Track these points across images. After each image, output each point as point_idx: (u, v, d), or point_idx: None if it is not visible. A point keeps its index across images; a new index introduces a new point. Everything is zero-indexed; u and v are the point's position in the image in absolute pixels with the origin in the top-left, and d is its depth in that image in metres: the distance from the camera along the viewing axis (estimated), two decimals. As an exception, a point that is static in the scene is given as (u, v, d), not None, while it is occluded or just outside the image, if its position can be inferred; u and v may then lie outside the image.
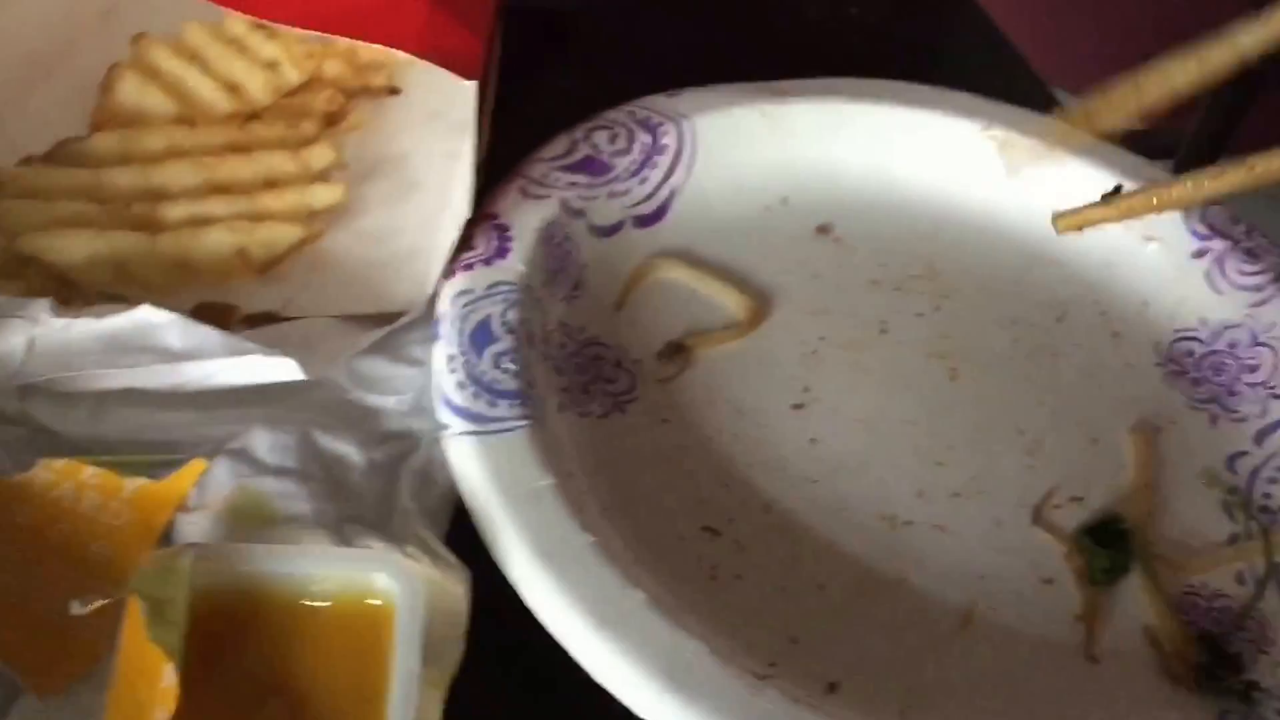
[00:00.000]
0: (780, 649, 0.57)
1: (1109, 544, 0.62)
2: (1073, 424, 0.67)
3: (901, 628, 0.59)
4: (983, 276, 0.74)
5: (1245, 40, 0.48)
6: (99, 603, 0.47)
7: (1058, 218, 0.64)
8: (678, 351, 0.68)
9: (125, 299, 0.60)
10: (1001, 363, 0.70)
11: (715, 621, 0.56)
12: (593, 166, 0.72)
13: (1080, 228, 0.64)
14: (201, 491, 0.57)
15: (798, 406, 0.66)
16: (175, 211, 0.67)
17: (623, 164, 0.73)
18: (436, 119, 0.75)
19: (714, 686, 0.51)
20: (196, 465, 0.57)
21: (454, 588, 0.54)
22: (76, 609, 0.46)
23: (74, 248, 0.64)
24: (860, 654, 0.58)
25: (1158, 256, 0.74)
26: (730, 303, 0.70)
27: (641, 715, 0.51)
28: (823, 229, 0.74)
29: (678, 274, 0.71)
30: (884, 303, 0.71)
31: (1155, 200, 0.56)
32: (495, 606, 0.54)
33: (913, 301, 0.72)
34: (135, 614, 0.48)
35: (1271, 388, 0.68)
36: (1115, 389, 0.70)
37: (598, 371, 0.67)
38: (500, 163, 0.71)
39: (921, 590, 0.60)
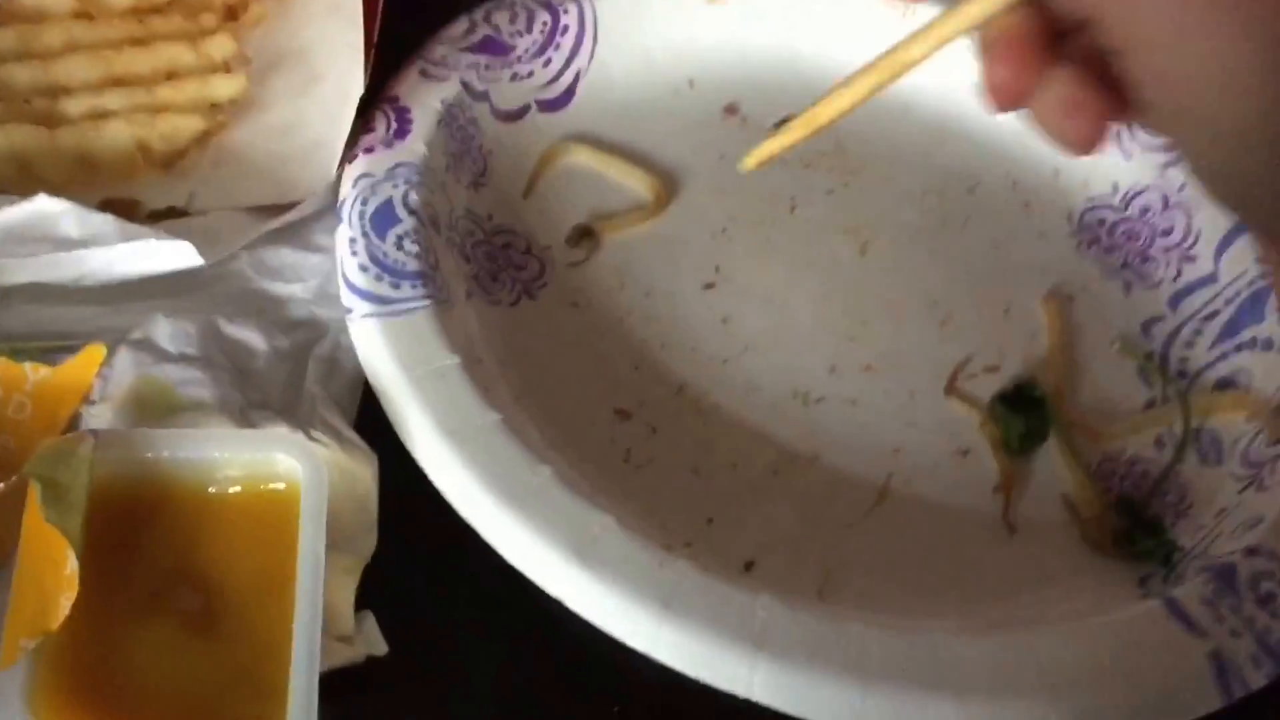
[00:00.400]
0: (696, 529, 0.57)
1: (1025, 411, 0.61)
2: (985, 295, 0.67)
3: (817, 504, 0.59)
4: (892, 151, 0.73)
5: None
6: None
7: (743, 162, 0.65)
8: (586, 235, 0.67)
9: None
10: (912, 236, 0.69)
11: (628, 502, 0.56)
12: (493, 47, 0.70)
13: (763, 164, 0.64)
14: (104, 383, 0.56)
15: (708, 286, 0.66)
16: (74, 106, 0.66)
17: (524, 44, 0.71)
18: (337, 12, 0.73)
19: (622, 559, 0.51)
20: (95, 350, 0.56)
21: (362, 471, 0.54)
22: None
23: None
24: (776, 532, 0.58)
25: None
26: (638, 185, 0.70)
27: (550, 591, 0.51)
28: (730, 109, 0.73)
29: (585, 158, 0.70)
30: (793, 180, 0.70)
31: (815, 118, 0.57)
32: (407, 491, 0.54)
33: (821, 178, 0.71)
34: (34, 497, 0.47)
35: (1185, 250, 0.68)
36: (1028, 259, 0.69)
37: (507, 259, 0.66)
38: (402, 46, 0.70)
39: (836, 466, 0.60)
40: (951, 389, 0.63)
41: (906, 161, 0.73)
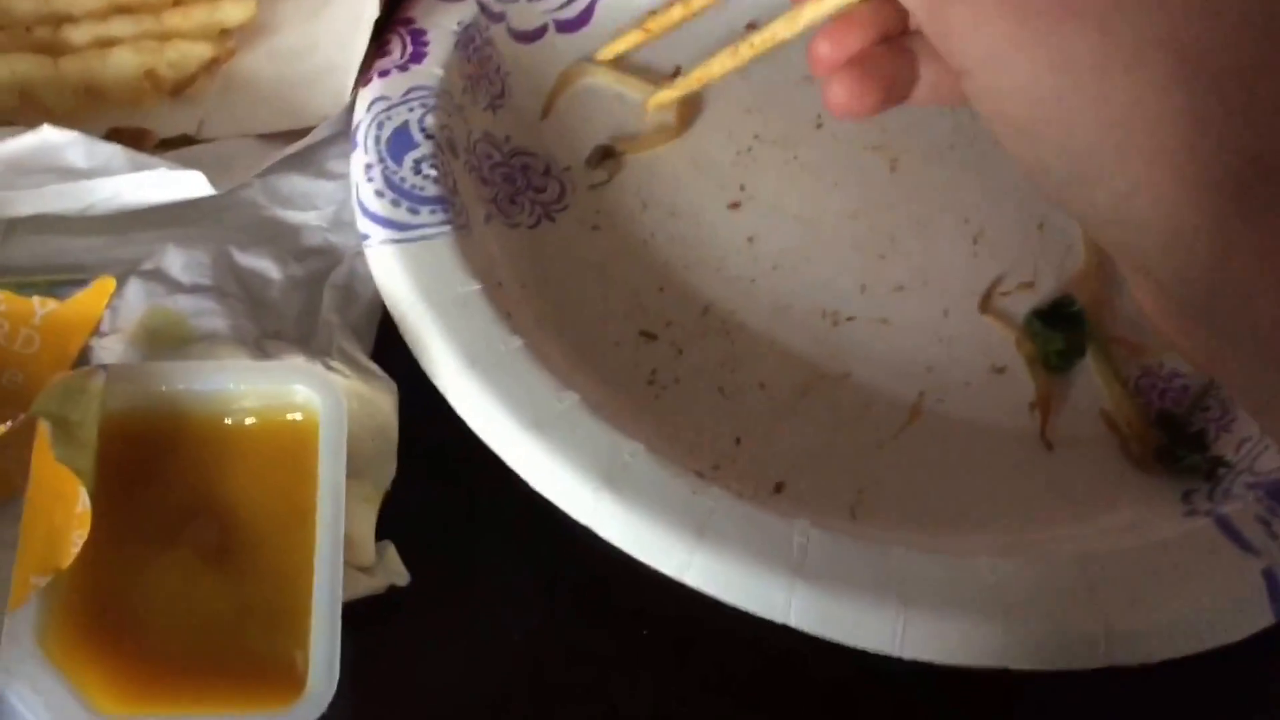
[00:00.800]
0: (724, 450, 0.56)
1: (1062, 327, 0.60)
2: (1019, 211, 0.65)
3: (848, 424, 0.58)
4: (922, 65, 0.71)
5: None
6: (3, 427, 0.45)
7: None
8: (607, 156, 0.65)
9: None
10: (942, 152, 0.67)
11: (655, 425, 0.55)
12: None
13: (662, 107, 0.66)
14: (114, 315, 0.55)
15: (734, 205, 0.64)
16: (78, 34, 0.64)
17: None
18: (350, -70, 0.72)
19: (654, 486, 0.50)
20: (105, 283, 0.55)
21: (382, 401, 0.53)
22: None
23: None
24: (806, 452, 0.56)
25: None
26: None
27: (580, 519, 0.50)
28: (752, 25, 0.71)
29: (604, 79, 0.68)
30: (818, 97, 0.67)
31: (709, 73, 0.61)
32: (427, 420, 0.53)
33: (849, 94, 0.69)
34: (43, 436, 0.46)
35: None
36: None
37: (526, 181, 0.64)
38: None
39: (867, 385, 0.59)
40: (986, 306, 0.61)
41: (935, 75, 0.70)
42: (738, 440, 0.56)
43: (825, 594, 0.48)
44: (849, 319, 0.61)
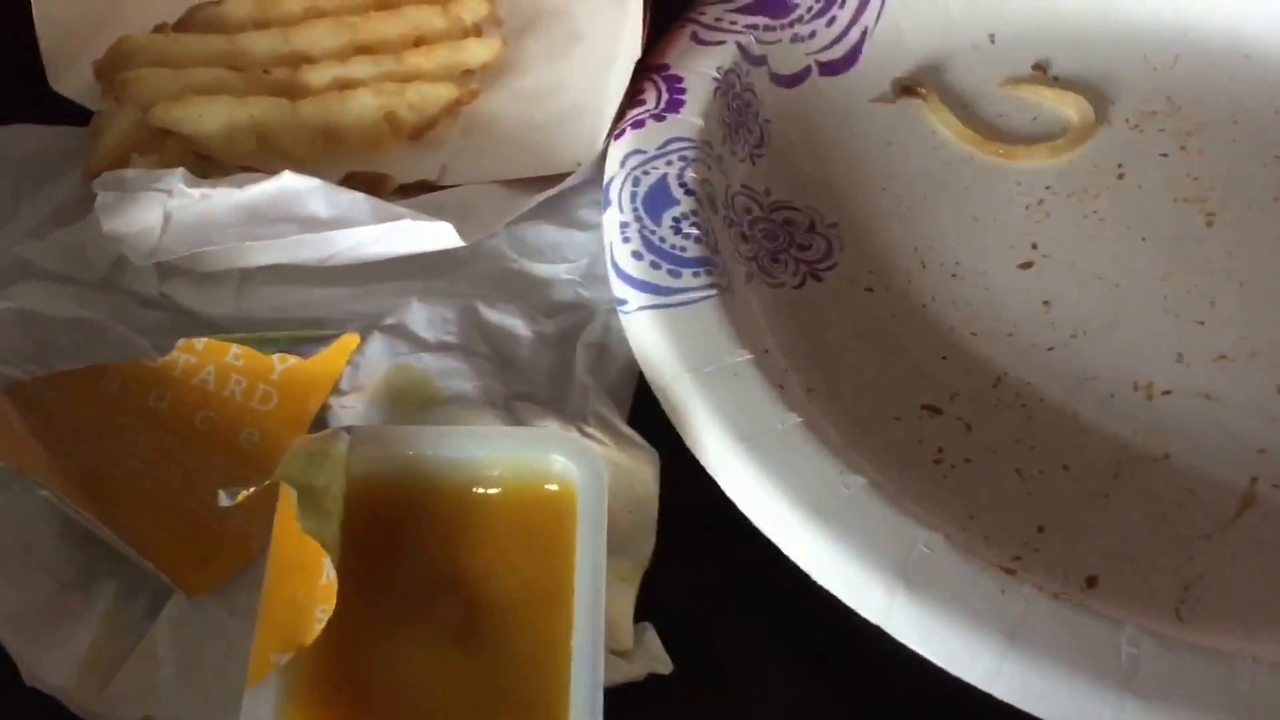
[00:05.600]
0: (1025, 539, 0.50)
1: None
2: (1359, 268, 0.58)
3: (1168, 512, 0.51)
4: (1234, 106, 0.64)
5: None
6: (247, 492, 0.41)
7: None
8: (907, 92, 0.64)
9: (268, 173, 0.55)
10: (1266, 204, 0.60)
11: (945, 511, 0.50)
12: (772, 6, 0.65)
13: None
14: (355, 373, 0.52)
15: (1025, 265, 0.59)
16: (317, 76, 0.63)
17: (806, 2, 0.66)
18: (599, -37, 0.69)
19: (956, 582, 0.44)
20: (349, 340, 0.52)
21: (642, 471, 0.50)
22: (224, 500, 0.41)
23: (210, 116, 0.59)
24: (1121, 543, 0.50)
25: None
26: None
27: (870, 618, 0.45)
28: (1039, 67, 0.66)
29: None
30: (1119, 144, 0.63)
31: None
32: (690, 491, 0.49)
33: (1153, 141, 0.63)
34: (287, 503, 0.43)
35: None
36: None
37: (788, 237, 0.60)
38: (668, 7, 0.65)
39: (1188, 468, 0.52)
40: (1323, 380, 0.55)
41: (1253, 117, 0.64)
42: (1040, 529, 0.50)
43: (1160, 713, 0.42)
44: (1165, 393, 0.54)
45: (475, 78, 0.65)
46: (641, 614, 0.48)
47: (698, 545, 0.50)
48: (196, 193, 0.54)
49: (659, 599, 0.48)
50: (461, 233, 0.53)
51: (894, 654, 0.45)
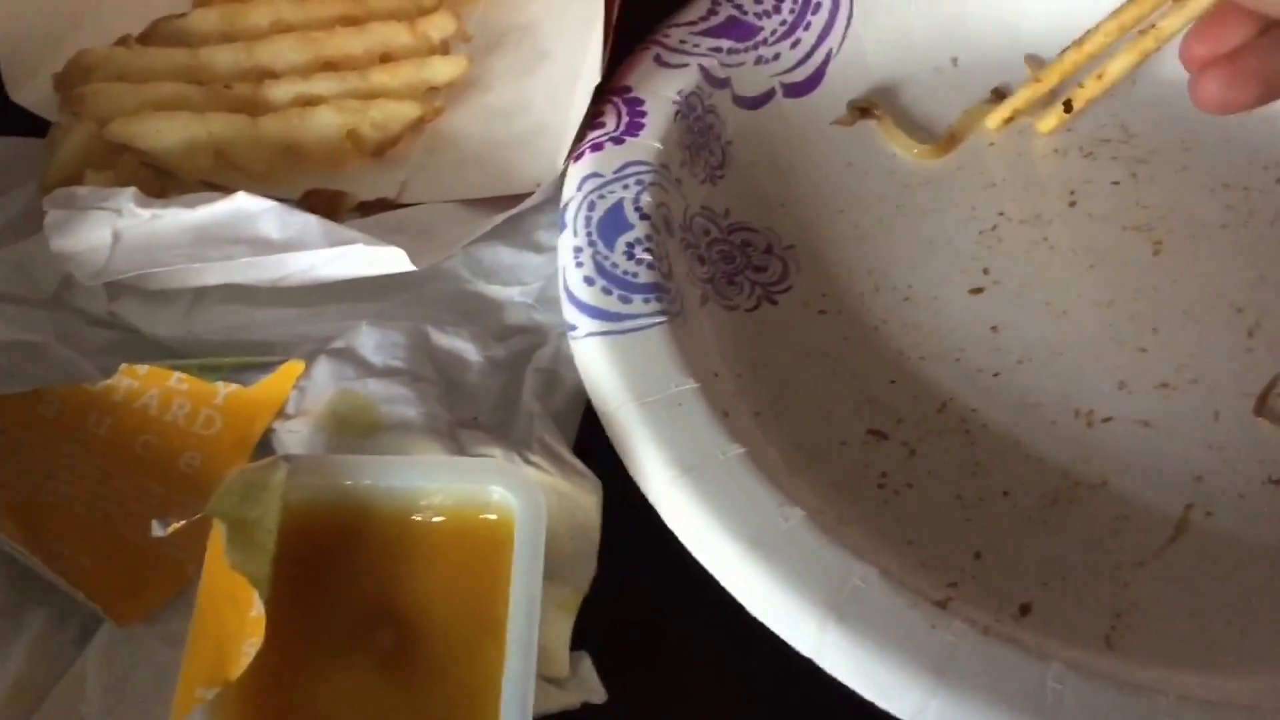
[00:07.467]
0: (962, 565, 0.50)
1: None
2: (1299, 300, 0.59)
3: (1103, 539, 0.51)
4: (1186, 136, 0.65)
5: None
6: (178, 524, 0.41)
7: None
8: (863, 114, 0.65)
9: (227, 189, 0.55)
10: (1212, 233, 0.61)
11: (885, 537, 0.50)
12: (737, 29, 0.65)
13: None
14: (301, 396, 0.52)
15: (976, 291, 0.59)
16: (279, 91, 0.62)
17: (770, 25, 0.66)
18: (569, -17, 0.69)
19: (887, 617, 0.45)
20: (293, 368, 0.52)
21: (584, 498, 0.49)
22: (157, 531, 0.41)
23: (168, 132, 0.59)
24: (1056, 570, 0.50)
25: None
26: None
27: (803, 651, 0.45)
28: (999, 92, 0.66)
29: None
30: (1071, 171, 0.63)
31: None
32: (632, 519, 0.49)
33: (1105, 168, 0.63)
34: (217, 539, 0.43)
35: None
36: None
37: (745, 259, 0.60)
38: (632, 30, 0.64)
39: (1125, 495, 0.53)
40: (1262, 409, 0.55)
41: (1204, 147, 0.64)
42: (977, 554, 0.51)
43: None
44: (1105, 420, 0.55)
45: (440, 95, 0.65)
46: (578, 642, 0.48)
47: (639, 574, 0.49)
48: (147, 213, 0.53)
49: (598, 627, 0.48)
50: (414, 257, 0.53)
51: (832, 685, 0.45)
